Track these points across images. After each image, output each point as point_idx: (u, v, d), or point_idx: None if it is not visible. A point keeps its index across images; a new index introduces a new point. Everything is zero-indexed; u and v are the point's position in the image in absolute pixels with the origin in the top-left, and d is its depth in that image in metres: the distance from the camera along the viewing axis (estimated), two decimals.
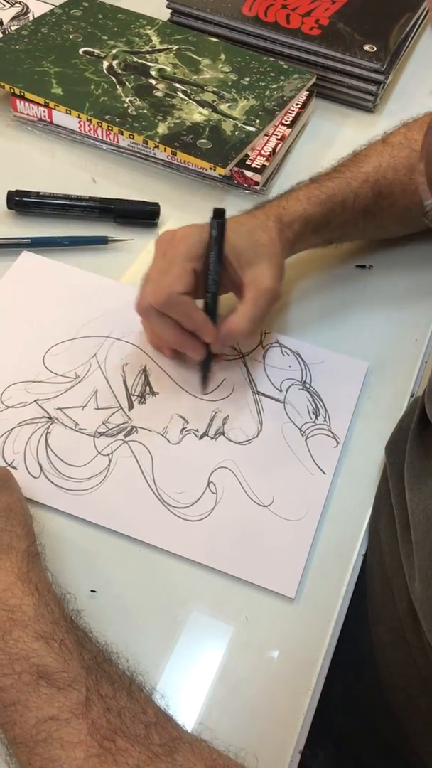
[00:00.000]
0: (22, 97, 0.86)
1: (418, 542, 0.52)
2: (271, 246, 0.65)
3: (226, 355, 0.70)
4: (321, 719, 0.59)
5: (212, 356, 0.67)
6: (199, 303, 0.65)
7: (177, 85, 0.90)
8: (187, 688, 0.52)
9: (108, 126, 0.84)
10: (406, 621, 0.54)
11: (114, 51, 0.92)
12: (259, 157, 0.84)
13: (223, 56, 0.94)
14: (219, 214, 0.64)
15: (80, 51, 0.92)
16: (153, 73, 0.90)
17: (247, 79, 0.92)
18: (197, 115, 0.86)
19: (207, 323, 0.64)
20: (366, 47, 0.94)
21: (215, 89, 0.90)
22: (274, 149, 0.86)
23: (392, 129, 0.78)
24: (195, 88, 0.89)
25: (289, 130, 0.88)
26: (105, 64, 0.91)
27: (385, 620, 0.57)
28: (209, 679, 0.52)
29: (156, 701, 0.46)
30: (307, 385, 0.69)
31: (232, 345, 0.68)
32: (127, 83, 0.88)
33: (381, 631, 0.58)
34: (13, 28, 0.99)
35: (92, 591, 0.54)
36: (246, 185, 0.84)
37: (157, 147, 0.83)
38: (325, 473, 0.63)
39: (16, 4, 1.03)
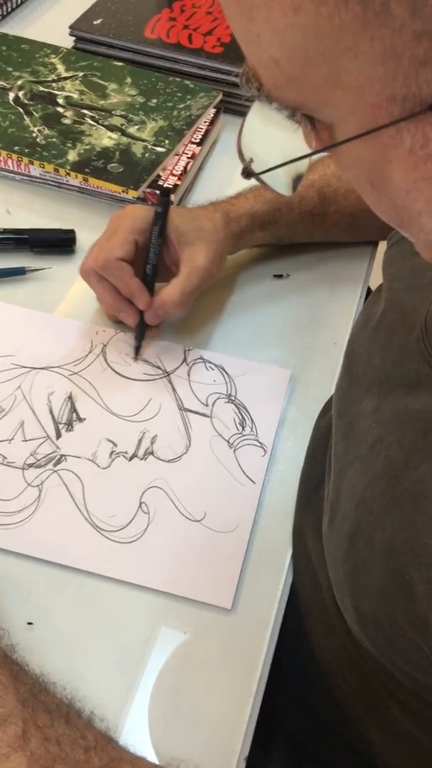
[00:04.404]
0: None
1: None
2: (213, 233, 0.72)
3: (158, 330, 0.74)
4: (271, 721, 0.60)
5: (146, 326, 0.72)
6: None
7: (85, 111, 0.91)
8: (129, 707, 0.52)
9: (18, 157, 0.84)
10: (331, 608, 0.56)
11: (19, 82, 0.93)
12: (171, 176, 0.86)
13: (129, 80, 0.96)
14: (165, 193, 0.72)
15: None
16: (60, 101, 0.91)
17: (155, 100, 0.93)
18: (107, 139, 0.87)
19: (141, 290, 0.70)
20: None
21: (123, 113, 0.91)
22: (185, 168, 0.87)
23: None
24: (103, 113, 0.91)
25: (199, 147, 0.90)
26: (11, 95, 0.91)
27: (314, 612, 0.59)
28: (151, 696, 0.53)
29: (96, 725, 0.47)
30: (233, 398, 0.70)
31: (163, 317, 0.72)
32: (34, 113, 0.89)
33: (312, 622, 0.60)
34: None
35: (29, 623, 0.54)
36: None
37: (68, 174, 0.84)
38: (254, 482, 0.65)
39: None
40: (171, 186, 0.85)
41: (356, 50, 0.29)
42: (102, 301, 0.73)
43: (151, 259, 0.71)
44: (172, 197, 0.84)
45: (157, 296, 0.70)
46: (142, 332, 0.72)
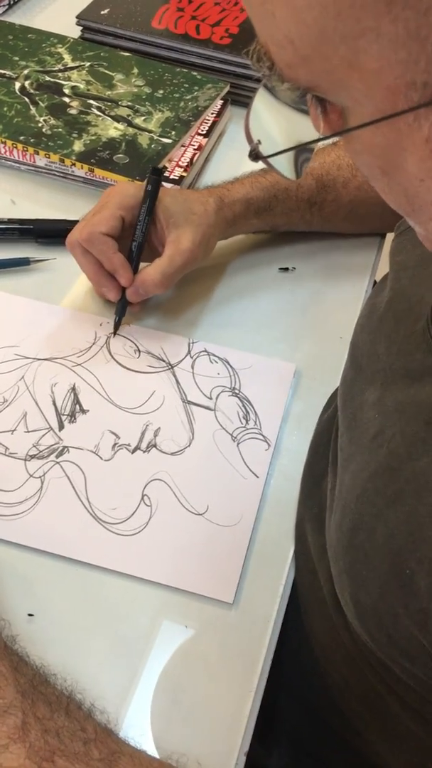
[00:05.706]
0: None
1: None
2: (203, 217, 0.71)
3: (141, 307, 0.74)
4: (272, 718, 0.60)
5: (127, 303, 0.72)
6: None
7: (91, 101, 0.90)
8: (129, 700, 0.52)
9: (23, 147, 0.84)
10: (330, 603, 0.56)
11: (26, 71, 0.93)
12: (177, 168, 0.85)
13: (135, 70, 0.95)
14: (156, 171, 0.71)
15: None
16: (66, 91, 0.91)
17: (161, 91, 0.93)
18: (113, 130, 0.87)
19: (124, 266, 0.70)
20: None
21: (130, 103, 0.90)
22: (191, 159, 0.87)
23: None
24: (109, 103, 0.90)
25: (206, 139, 0.90)
26: (17, 84, 0.91)
27: (313, 607, 0.59)
28: (152, 690, 0.53)
29: (96, 717, 0.46)
30: (237, 391, 0.70)
31: (144, 296, 0.72)
32: (40, 103, 0.89)
33: (311, 619, 0.60)
34: None
35: (30, 615, 0.54)
36: None
37: (74, 165, 0.83)
38: (257, 476, 0.64)
39: None
40: (177, 177, 0.84)
41: (377, 32, 0.28)
42: (85, 273, 0.73)
43: (137, 237, 0.71)
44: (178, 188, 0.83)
45: (139, 275, 0.71)
46: (123, 309, 0.73)
